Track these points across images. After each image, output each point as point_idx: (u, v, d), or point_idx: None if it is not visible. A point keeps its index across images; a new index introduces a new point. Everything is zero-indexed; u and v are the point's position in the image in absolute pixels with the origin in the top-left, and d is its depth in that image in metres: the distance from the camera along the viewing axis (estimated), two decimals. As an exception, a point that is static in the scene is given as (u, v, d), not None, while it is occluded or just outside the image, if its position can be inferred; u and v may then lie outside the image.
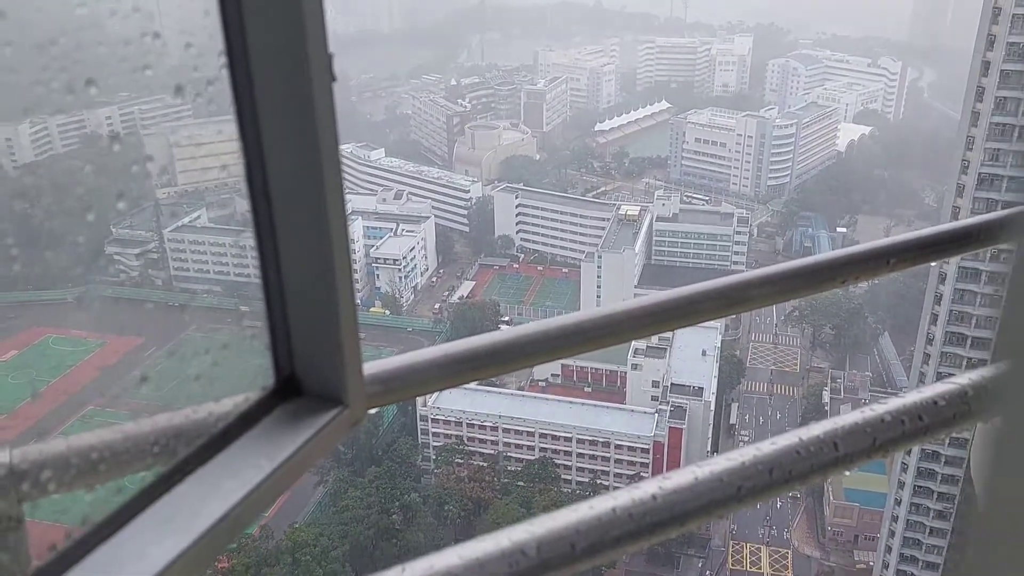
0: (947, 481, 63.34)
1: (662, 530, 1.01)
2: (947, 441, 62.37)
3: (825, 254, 1.58)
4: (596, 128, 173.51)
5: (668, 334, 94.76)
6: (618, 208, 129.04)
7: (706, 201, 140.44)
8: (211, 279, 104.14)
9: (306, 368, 1.01)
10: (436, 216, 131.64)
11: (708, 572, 79.38)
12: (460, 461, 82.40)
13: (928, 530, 64.50)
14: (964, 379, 1.23)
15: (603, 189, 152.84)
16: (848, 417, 1.18)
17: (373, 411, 1.11)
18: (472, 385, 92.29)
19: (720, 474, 1.03)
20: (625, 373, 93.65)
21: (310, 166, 0.93)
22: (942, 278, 63.21)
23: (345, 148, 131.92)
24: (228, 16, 0.96)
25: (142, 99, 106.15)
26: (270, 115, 0.94)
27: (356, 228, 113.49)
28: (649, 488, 1.01)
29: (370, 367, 1.08)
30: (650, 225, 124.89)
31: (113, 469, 0.92)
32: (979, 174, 59.70)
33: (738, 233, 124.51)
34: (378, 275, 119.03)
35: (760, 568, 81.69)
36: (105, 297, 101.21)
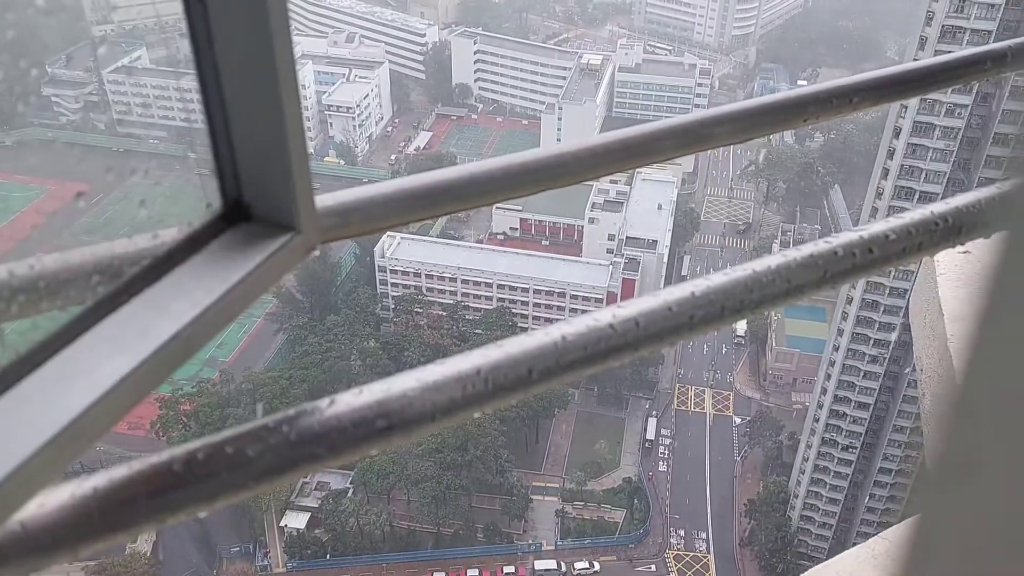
0: (883, 328, 66.56)
1: (616, 355, 1.03)
2: (887, 291, 64.99)
3: (789, 91, 1.58)
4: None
5: (625, 188, 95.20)
6: (580, 57, 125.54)
7: (669, 51, 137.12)
8: (156, 124, 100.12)
9: (255, 193, 0.97)
10: (390, 62, 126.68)
11: (655, 412, 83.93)
12: (419, 310, 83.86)
13: (862, 374, 68.40)
14: (915, 214, 1.29)
15: (565, 36, 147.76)
16: (802, 250, 1.24)
17: (328, 243, 1.07)
18: (431, 237, 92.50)
19: (672, 303, 1.07)
20: (582, 227, 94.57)
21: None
22: (896, 132, 63.61)
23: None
24: None
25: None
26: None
27: (307, 73, 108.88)
28: (603, 317, 1.03)
29: (324, 199, 1.05)
30: (612, 75, 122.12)
31: (55, 295, 0.89)
32: (942, 26, 58.89)
33: (700, 85, 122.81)
34: (331, 124, 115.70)
35: (704, 409, 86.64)
36: (45, 141, 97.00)
